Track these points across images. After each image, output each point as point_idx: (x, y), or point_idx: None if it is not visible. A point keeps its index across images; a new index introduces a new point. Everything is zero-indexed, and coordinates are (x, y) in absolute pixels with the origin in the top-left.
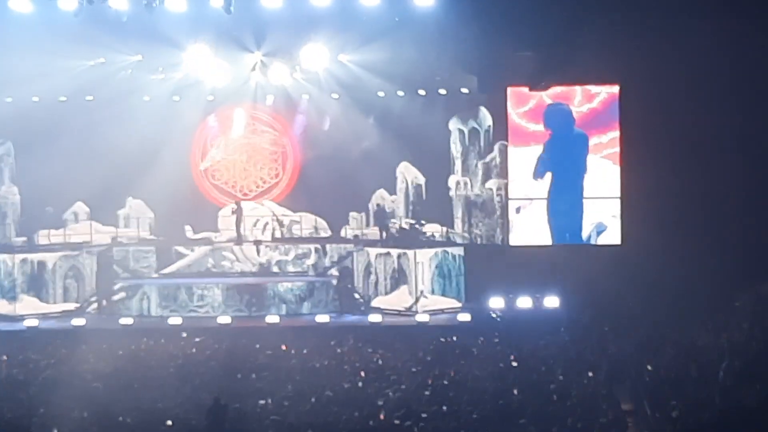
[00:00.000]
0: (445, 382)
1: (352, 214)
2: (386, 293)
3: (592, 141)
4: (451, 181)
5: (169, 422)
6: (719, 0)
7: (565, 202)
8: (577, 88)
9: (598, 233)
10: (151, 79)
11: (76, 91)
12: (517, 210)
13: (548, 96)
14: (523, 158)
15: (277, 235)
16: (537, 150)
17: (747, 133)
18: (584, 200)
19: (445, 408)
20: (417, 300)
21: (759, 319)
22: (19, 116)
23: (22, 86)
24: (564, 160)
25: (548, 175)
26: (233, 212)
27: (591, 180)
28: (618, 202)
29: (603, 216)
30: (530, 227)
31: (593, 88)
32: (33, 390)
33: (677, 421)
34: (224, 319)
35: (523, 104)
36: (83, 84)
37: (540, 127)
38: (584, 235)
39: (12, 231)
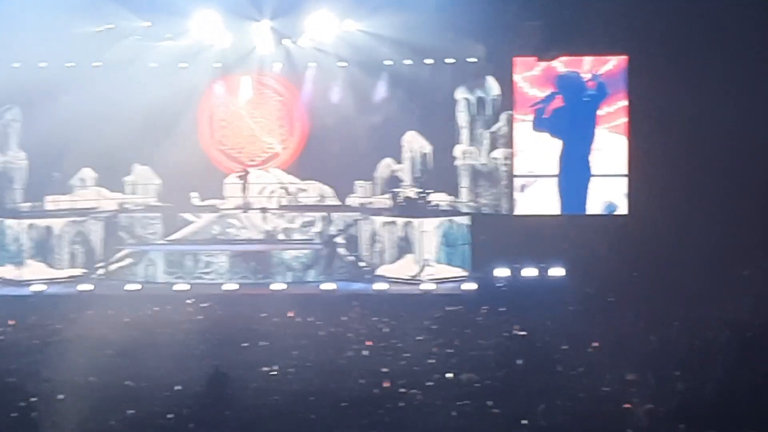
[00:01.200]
0: (450, 351)
1: (358, 182)
2: (392, 262)
3: (600, 111)
4: (457, 151)
5: (178, 387)
6: None
7: (574, 178)
8: (585, 58)
9: (609, 213)
10: (158, 46)
11: (83, 57)
12: (522, 188)
13: (555, 64)
14: (529, 130)
15: (283, 202)
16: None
17: (757, 105)
18: (592, 177)
19: (449, 376)
20: (422, 269)
21: (763, 294)
22: (26, 82)
23: (29, 52)
24: (573, 130)
25: (557, 145)
26: (240, 178)
27: (599, 153)
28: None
29: (613, 195)
30: (536, 198)
31: (601, 58)
32: (39, 355)
33: (681, 392)
34: (230, 286)
35: (530, 72)
36: (91, 50)
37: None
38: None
39: (19, 196)
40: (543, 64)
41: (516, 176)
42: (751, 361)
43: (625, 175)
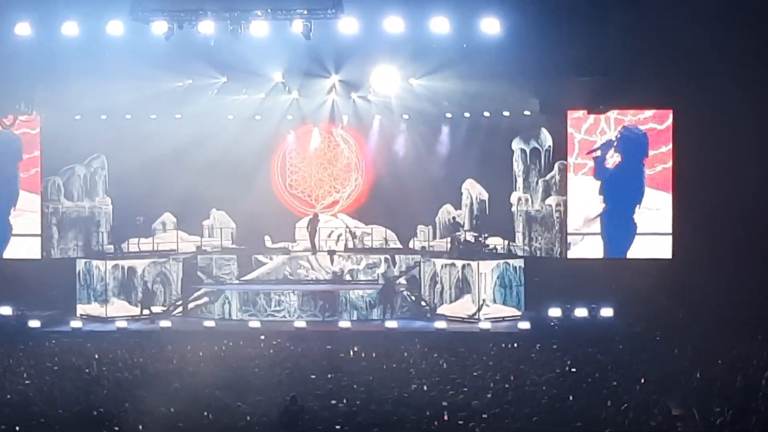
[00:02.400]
0: (506, 386)
1: (420, 227)
2: (451, 301)
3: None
4: (513, 198)
5: (248, 418)
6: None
7: (618, 235)
8: (631, 112)
9: None
10: (234, 99)
11: (165, 109)
12: (568, 246)
13: (606, 118)
14: (580, 183)
15: (350, 245)
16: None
17: None
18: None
19: (504, 410)
20: (480, 308)
21: None
22: (113, 132)
23: (115, 105)
24: (623, 190)
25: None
26: (309, 223)
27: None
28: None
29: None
30: (586, 244)
31: (647, 112)
32: (121, 387)
33: (724, 426)
34: (300, 324)
35: (582, 126)
36: (172, 103)
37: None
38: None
39: (105, 239)
40: (593, 117)
41: (569, 233)
42: None
43: (670, 234)
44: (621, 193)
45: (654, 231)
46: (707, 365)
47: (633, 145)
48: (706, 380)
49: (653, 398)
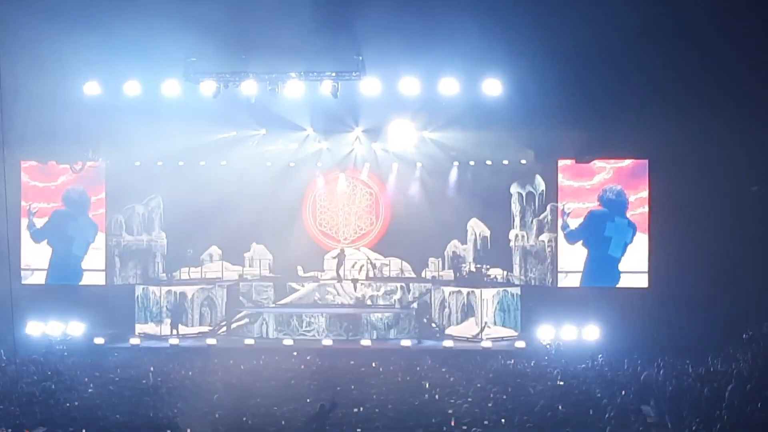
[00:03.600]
0: (504, 397)
1: (431, 259)
2: (457, 323)
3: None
4: (511, 234)
5: (283, 422)
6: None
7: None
8: (612, 162)
9: None
10: (272, 149)
11: (212, 156)
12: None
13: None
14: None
15: (371, 275)
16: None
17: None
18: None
19: (504, 418)
20: (482, 329)
21: (761, 351)
22: (167, 177)
23: (170, 153)
24: (604, 241)
25: (584, 252)
26: (338, 256)
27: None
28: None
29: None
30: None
31: (626, 162)
32: (172, 395)
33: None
34: (327, 342)
35: (571, 173)
36: (219, 151)
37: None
38: None
39: (160, 268)
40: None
41: (560, 271)
42: (752, 407)
43: (646, 272)
44: (601, 245)
45: (633, 268)
46: (679, 379)
47: (614, 199)
48: (677, 392)
49: (632, 408)
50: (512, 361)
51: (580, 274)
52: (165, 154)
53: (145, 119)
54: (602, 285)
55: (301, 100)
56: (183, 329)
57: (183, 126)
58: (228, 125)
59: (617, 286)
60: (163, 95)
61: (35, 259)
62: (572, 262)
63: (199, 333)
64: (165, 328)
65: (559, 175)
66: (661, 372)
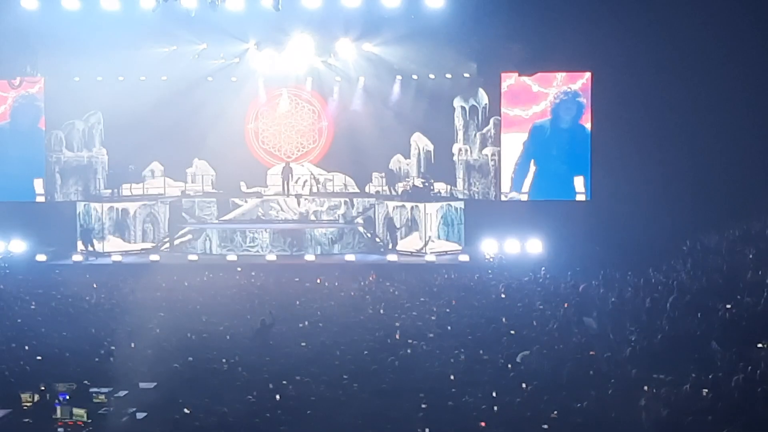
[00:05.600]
0: (448, 310)
1: (375, 173)
2: (401, 238)
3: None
4: (455, 148)
5: (228, 337)
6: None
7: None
8: (557, 74)
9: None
10: (213, 63)
11: (153, 71)
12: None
13: (533, 79)
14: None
15: (314, 190)
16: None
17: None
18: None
19: (448, 329)
20: (426, 243)
21: (700, 263)
22: (108, 92)
23: (109, 68)
24: (556, 153)
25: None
26: (283, 170)
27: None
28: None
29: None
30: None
31: (570, 75)
32: (117, 312)
33: (634, 343)
34: (271, 257)
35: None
36: (159, 66)
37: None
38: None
39: (101, 184)
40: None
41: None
42: (691, 317)
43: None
44: (553, 157)
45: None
46: (619, 292)
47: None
48: (618, 304)
49: (574, 320)
50: (455, 274)
51: (528, 188)
52: (104, 70)
53: (84, 34)
54: (553, 198)
55: (242, 14)
56: (125, 246)
57: (122, 41)
58: (168, 40)
59: (560, 198)
60: (102, 9)
61: None
62: (518, 175)
63: (142, 249)
64: (107, 245)
65: (502, 88)
66: (603, 284)
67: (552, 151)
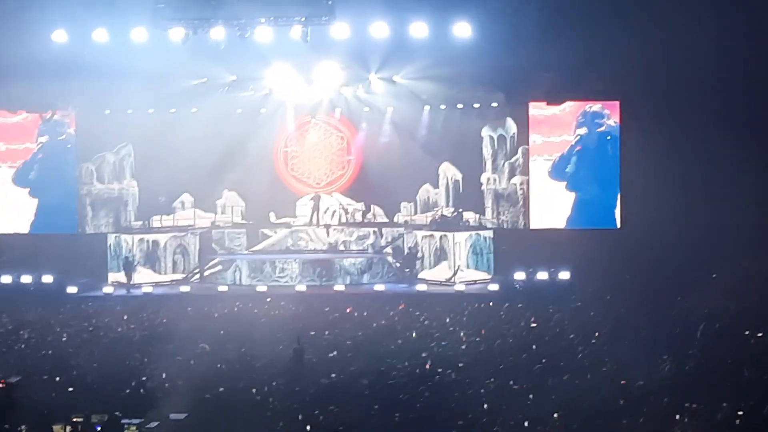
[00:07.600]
0: (477, 339)
1: (403, 203)
2: (430, 267)
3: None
4: (483, 178)
5: (258, 364)
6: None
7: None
8: (585, 103)
9: None
10: (242, 95)
11: (183, 104)
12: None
13: (561, 108)
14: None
15: (343, 220)
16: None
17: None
18: None
19: (476, 359)
20: (455, 273)
21: (730, 291)
22: (138, 124)
23: (140, 101)
24: (586, 182)
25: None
26: (312, 200)
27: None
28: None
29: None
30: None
31: (598, 103)
32: (147, 343)
33: (666, 372)
34: (300, 288)
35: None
36: (189, 98)
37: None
38: None
39: (132, 216)
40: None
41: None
42: (722, 345)
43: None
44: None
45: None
46: (651, 320)
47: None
48: (650, 332)
49: (605, 348)
50: (485, 304)
51: (565, 217)
52: (135, 102)
53: (114, 67)
54: (591, 227)
55: (271, 45)
56: (155, 277)
57: (153, 73)
58: (198, 72)
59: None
60: (132, 43)
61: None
62: (551, 204)
63: (173, 281)
64: (138, 277)
65: (531, 117)
66: (633, 312)
67: (582, 180)
